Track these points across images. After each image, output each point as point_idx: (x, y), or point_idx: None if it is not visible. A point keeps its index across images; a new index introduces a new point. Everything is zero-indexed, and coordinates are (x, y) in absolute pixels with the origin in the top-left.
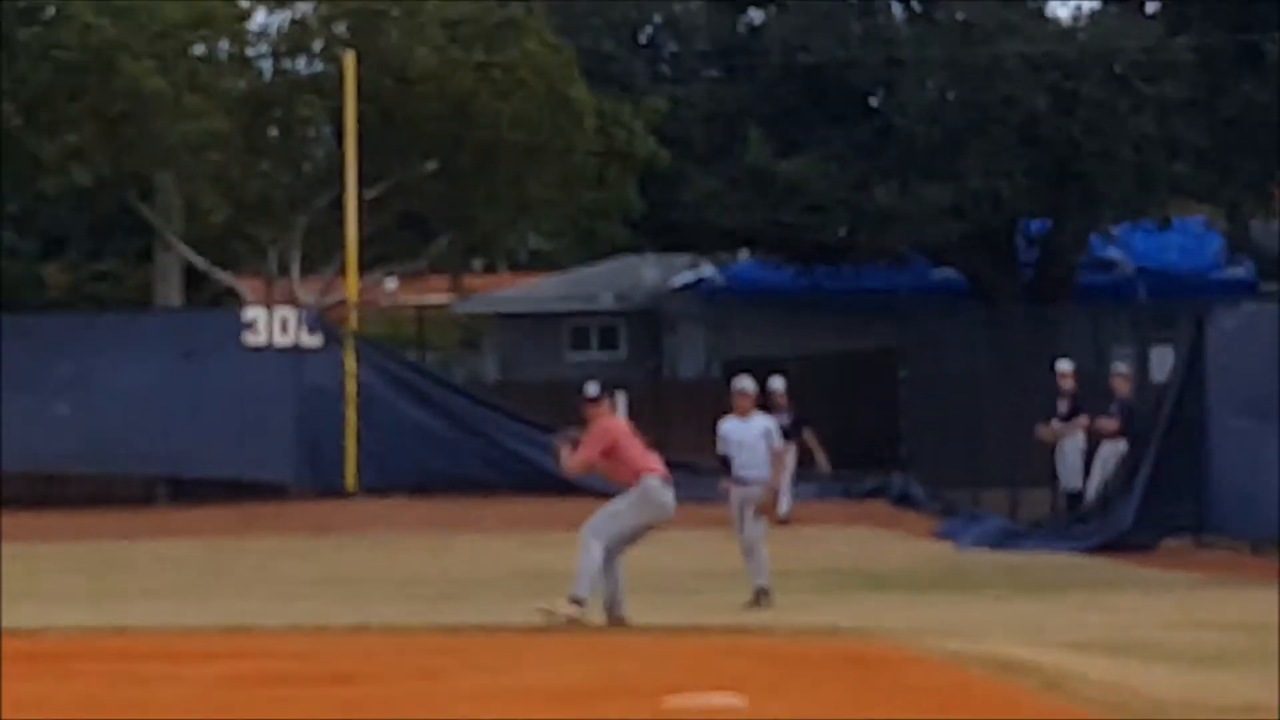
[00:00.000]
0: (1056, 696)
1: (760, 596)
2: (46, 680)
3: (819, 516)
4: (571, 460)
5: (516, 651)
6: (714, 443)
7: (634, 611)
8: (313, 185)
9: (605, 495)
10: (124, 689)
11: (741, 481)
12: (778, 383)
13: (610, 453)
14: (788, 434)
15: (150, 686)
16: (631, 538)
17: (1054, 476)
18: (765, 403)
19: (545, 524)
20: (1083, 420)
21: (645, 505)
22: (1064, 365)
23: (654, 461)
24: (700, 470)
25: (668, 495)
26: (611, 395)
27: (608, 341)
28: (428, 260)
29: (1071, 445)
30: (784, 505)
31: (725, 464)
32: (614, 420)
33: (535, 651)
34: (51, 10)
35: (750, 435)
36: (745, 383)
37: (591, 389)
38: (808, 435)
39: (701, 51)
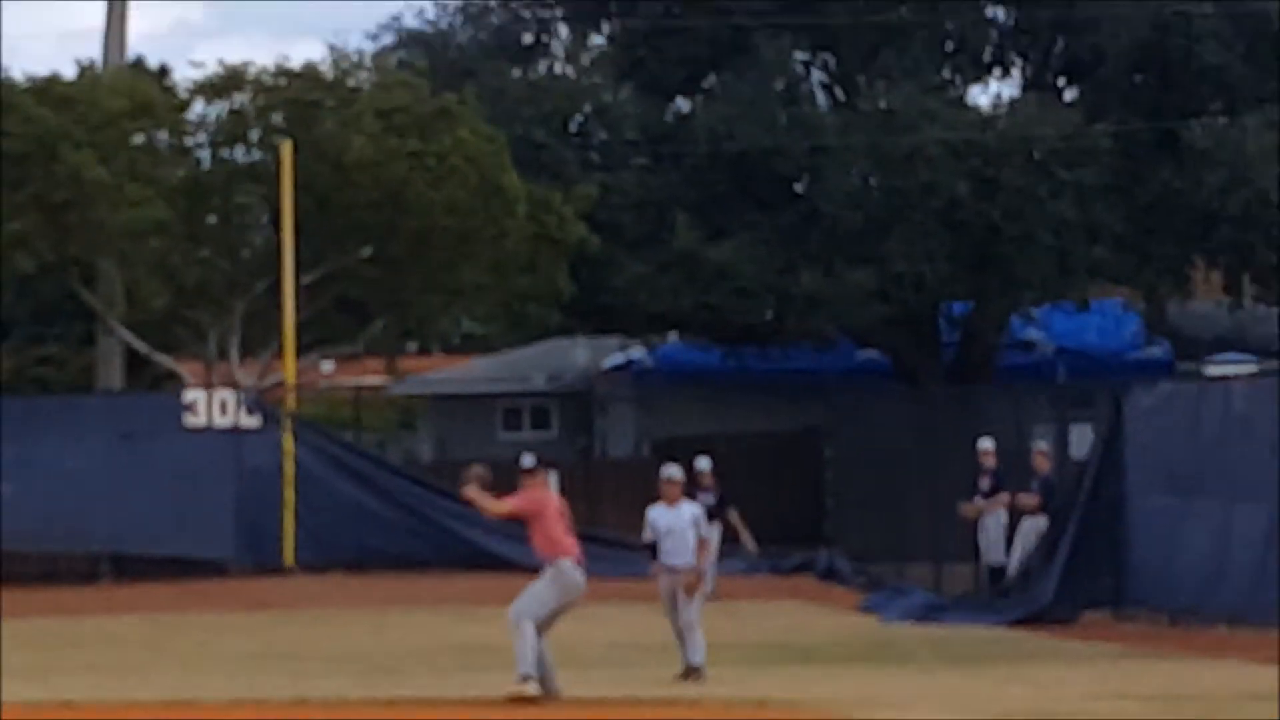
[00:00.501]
0: None
1: (691, 672)
2: None
3: (747, 592)
4: (493, 506)
5: None
6: (643, 521)
7: (566, 684)
8: (251, 271)
9: (533, 571)
10: None
11: (670, 569)
12: (704, 463)
13: (534, 521)
14: (712, 514)
15: None
16: (553, 616)
17: (977, 552)
18: (692, 481)
19: (478, 599)
20: (1004, 497)
21: (559, 585)
22: (985, 444)
23: (570, 544)
24: (631, 547)
25: (579, 576)
26: (546, 469)
27: (540, 422)
28: (363, 343)
29: (994, 521)
30: (708, 584)
31: (653, 549)
32: (547, 493)
33: None
34: None
35: (679, 523)
36: (673, 471)
37: (527, 460)
38: (732, 515)
39: (630, 140)
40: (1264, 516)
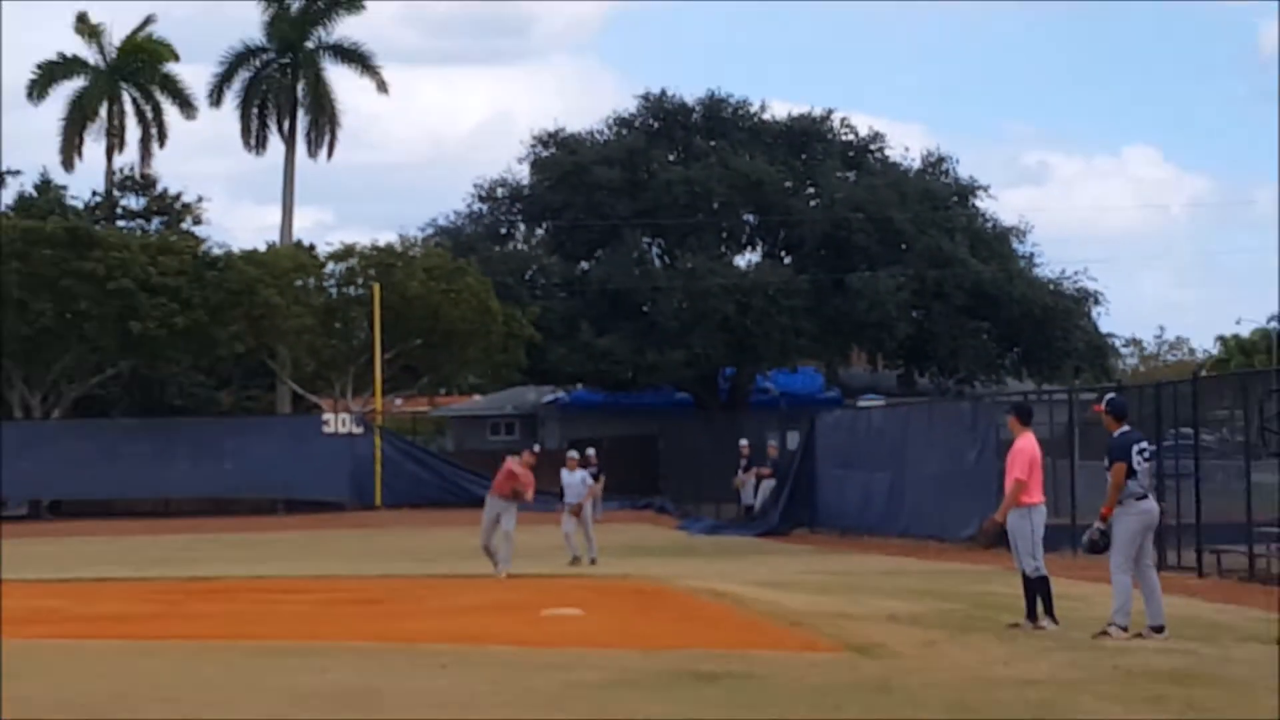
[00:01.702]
0: (744, 610)
1: (584, 561)
2: (217, 602)
3: (616, 519)
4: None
5: (463, 587)
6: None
7: (518, 567)
8: (357, 351)
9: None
10: (266, 606)
11: (570, 506)
12: (591, 451)
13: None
14: (595, 477)
15: (281, 605)
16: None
17: (739, 498)
18: (584, 459)
19: (478, 523)
20: (754, 470)
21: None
22: (742, 442)
23: (506, 488)
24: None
25: (497, 504)
26: (535, 453)
27: (509, 430)
28: (417, 389)
29: (748, 483)
30: (598, 513)
31: (561, 494)
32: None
33: (473, 588)
34: (222, 263)
35: (574, 480)
36: (572, 452)
37: (535, 447)
38: (601, 478)
39: (556, 283)
40: (888, 479)
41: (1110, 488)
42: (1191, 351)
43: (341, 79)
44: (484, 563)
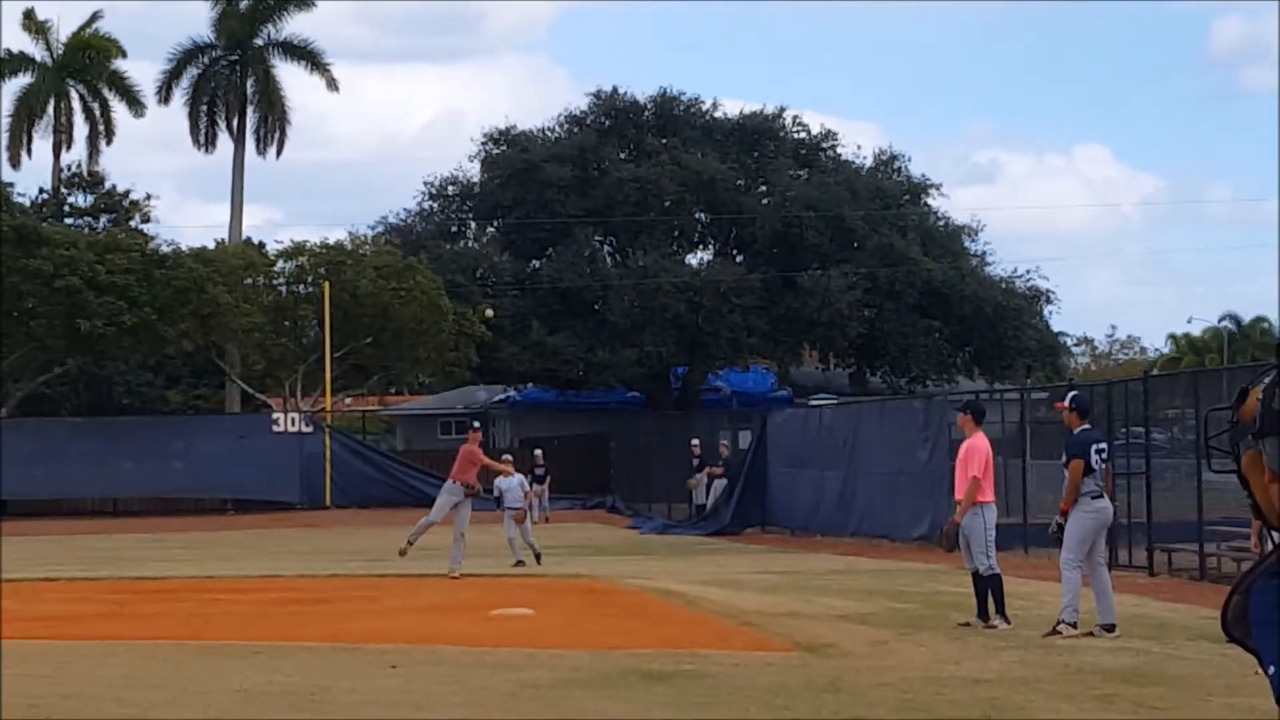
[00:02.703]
0: (694, 609)
1: (519, 564)
2: (166, 602)
3: (567, 518)
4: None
5: (413, 587)
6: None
7: (467, 567)
8: (307, 350)
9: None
10: (215, 606)
11: (513, 512)
12: (538, 451)
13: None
14: (541, 478)
15: (229, 605)
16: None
17: (690, 497)
18: (533, 461)
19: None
20: (706, 470)
21: (454, 495)
22: (694, 442)
23: (469, 477)
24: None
25: (459, 492)
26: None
27: (460, 430)
28: (367, 389)
29: (700, 482)
30: (545, 513)
31: (499, 500)
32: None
33: (424, 588)
34: (170, 260)
35: (513, 484)
36: (506, 456)
37: (475, 424)
38: (549, 480)
39: (507, 281)
40: (840, 478)
41: (1068, 484)
42: (1143, 350)
43: (291, 76)
44: (436, 563)
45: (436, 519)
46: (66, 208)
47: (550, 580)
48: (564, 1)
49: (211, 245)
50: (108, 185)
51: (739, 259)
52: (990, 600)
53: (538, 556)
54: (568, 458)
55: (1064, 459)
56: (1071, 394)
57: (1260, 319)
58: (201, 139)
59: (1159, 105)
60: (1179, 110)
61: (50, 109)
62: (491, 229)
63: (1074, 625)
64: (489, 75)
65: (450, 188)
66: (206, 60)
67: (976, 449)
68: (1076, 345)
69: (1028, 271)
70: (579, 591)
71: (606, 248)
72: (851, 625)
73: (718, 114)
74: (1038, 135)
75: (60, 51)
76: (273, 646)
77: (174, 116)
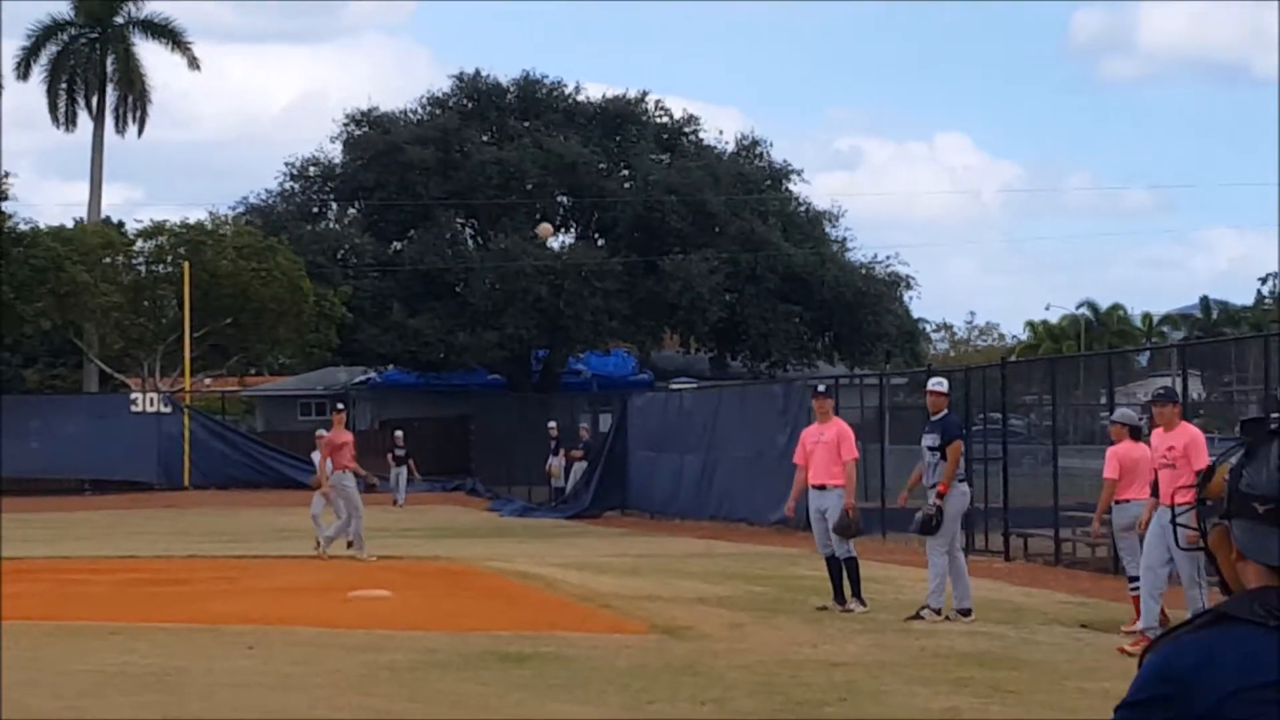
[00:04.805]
0: (553, 591)
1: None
2: (22, 582)
3: (427, 500)
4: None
5: (271, 569)
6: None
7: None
8: (167, 330)
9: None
10: (71, 587)
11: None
12: (399, 433)
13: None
14: (402, 460)
15: (86, 586)
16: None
17: (549, 480)
18: (393, 442)
19: (284, 504)
20: (564, 453)
21: (341, 482)
22: (551, 424)
23: (346, 462)
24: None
25: (349, 480)
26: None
27: (320, 411)
28: (226, 369)
29: (558, 464)
30: (400, 499)
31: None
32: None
33: (283, 569)
34: (28, 239)
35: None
36: (320, 431)
37: (339, 405)
38: (412, 461)
39: (368, 263)
40: (699, 463)
41: (950, 465)
42: (1001, 337)
43: (152, 55)
44: (294, 543)
45: (359, 512)
46: None
47: (409, 562)
48: None
49: (70, 224)
50: None
51: (600, 242)
52: (847, 583)
53: (349, 544)
54: (428, 440)
55: (937, 441)
56: (941, 379)
57: (1117, 306)
58: (60, 117)
59: (1019, 94)
60: (1039, 99)
61: None
62: (353, 210)
63: (938, 611)
64: (351, 56)
65: (312, 169)
66: (66, 37)
67: (849, 433)
68: (936, 331)
69: (888, 258)
70: (438, 574)
71: (468, 230)
72: (709, 608)
73: (580, 98)
74: (899, 123)
75: None
76: (129, 627)
77: (32, 94)
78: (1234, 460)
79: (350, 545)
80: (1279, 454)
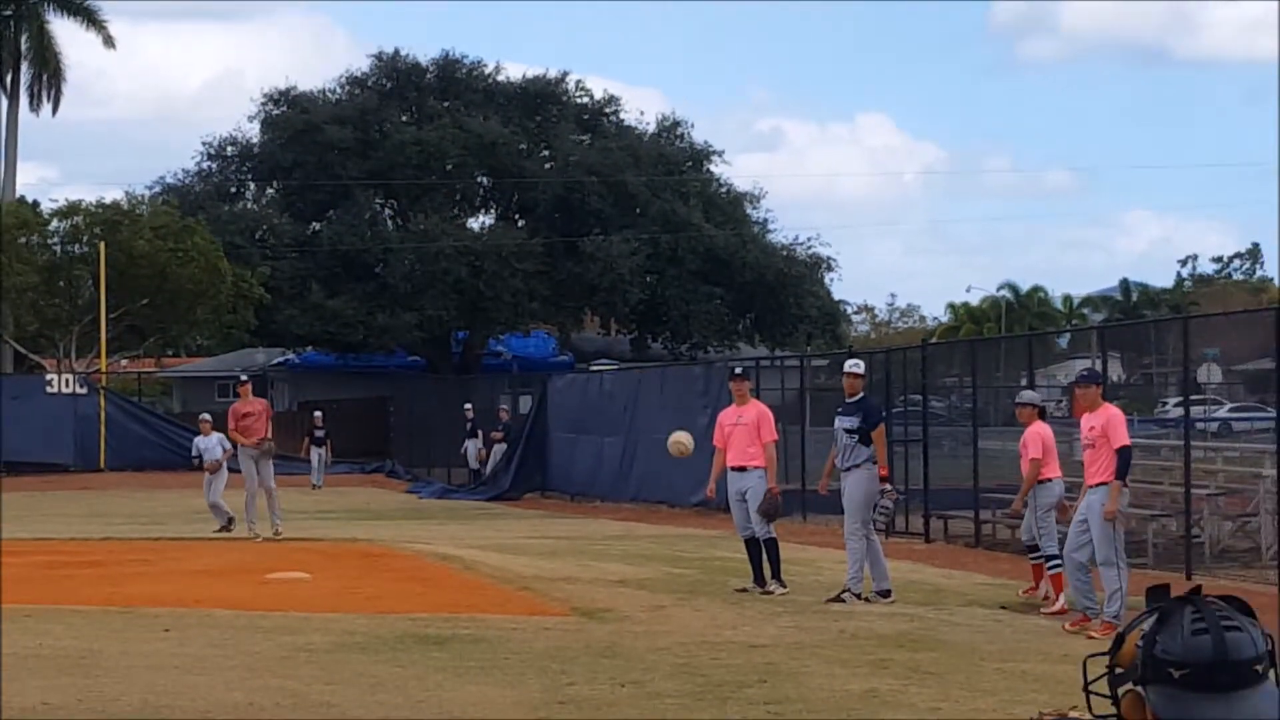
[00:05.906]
0: (471, 573)
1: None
2: None
3: (346, 482)
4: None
5: (187, 550)
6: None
7: (242, 529)
8: (82, 311)
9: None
10: None
11: (210, 464)
12: (318, 414)
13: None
14: (321, 441)
15: None
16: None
17: (467, 463)
18: (312, 424)
19: (203, 485)
20: (482, 434)
21: (245, 457)
22: (467, 405)
23: (255, 437)
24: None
25: (253, 453)
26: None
27: (237, 392)
28: (143, 350)
29: (473, 447)
30: (318, 481)
31: (199, 461)
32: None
33: (199, 551)
34: None
35: (211, 444)
36: (204, 415)
37: (243, 377)
38: (330, 442)
39: (287, 244)
40: (620, 445)
41: (880, 448)
42: (922, 319)
43: (66, 32)
44: (211, 525)
45: (253, 488)
46: None
47: (327, 544)
48: None
49: None
50: None
51: (520, 223)
52: (767, 565)
53: (277, 531)
54: (346, 422)
55: (857, 423)
56: (857, 361)
57: (1037, 289)
58: None
59: (939, 75)
60: (959, 80)
61: None
62: (271, 190)
63: (859, 595)
64: (269, 34)
65: (229, 148)
66: None
67: (769, 415)
68: (857, 313)
69: (809, 239)
70: (355, 556)
71: (387, 211)
72: (629, 590)
73: (500, 78)
74: (820, 103)
75: None
76: (43, 610)
77: None
78: (1145, 627)
79: (252, 528)
80: (1191, 620)
